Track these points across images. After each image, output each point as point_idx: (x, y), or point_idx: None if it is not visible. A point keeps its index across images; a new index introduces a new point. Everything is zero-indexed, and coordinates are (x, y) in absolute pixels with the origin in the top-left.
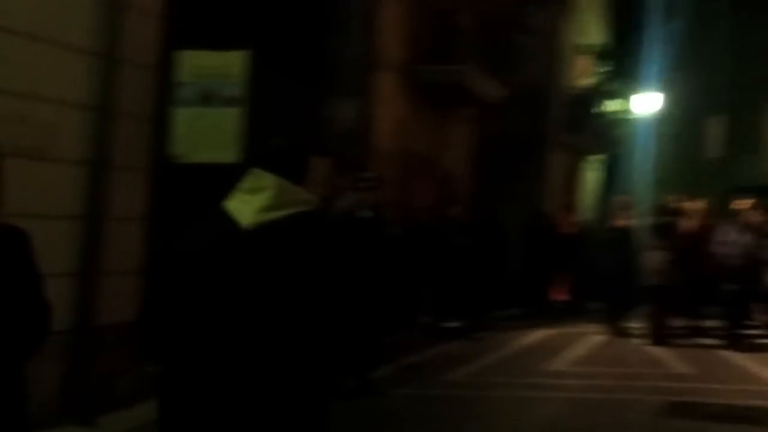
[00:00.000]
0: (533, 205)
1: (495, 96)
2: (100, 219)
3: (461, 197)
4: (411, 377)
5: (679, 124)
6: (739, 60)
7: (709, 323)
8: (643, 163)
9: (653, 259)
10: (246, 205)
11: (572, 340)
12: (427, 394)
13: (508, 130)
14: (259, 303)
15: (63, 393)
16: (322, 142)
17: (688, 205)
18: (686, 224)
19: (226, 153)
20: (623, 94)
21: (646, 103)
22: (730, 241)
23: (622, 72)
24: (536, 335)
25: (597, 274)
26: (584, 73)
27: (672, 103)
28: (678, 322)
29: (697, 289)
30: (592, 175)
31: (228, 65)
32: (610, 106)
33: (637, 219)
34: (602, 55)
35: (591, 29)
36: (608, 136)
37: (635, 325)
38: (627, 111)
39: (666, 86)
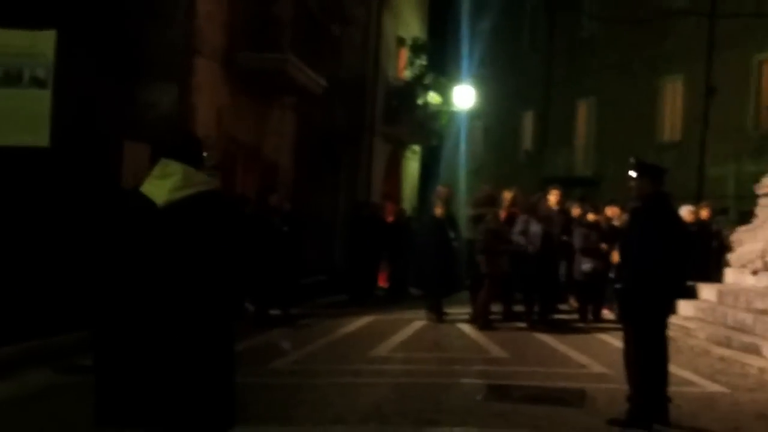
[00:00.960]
0: (356, 194)
1: (317, 86)
2: None
3: (284, 186)
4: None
5: (495, 117)
6: (549, 57)
7: (521, 308)
8: (461, 154)
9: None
10: (158, 188)
11: (395, 326)
12: (251, 382)
13: (331, 120)
14: (175, 263)
15: None
16: (139, 127)
17: (504, 194)
18: (498, 214)
19: (38, 137)
20: (441, 88)
21: (462, 97)
22: (530, 230)
23: (438, 66)
24: (361, 322)
25: (418, 262)
26: (405, 66)
27: (487, 98)
28: (495, 307)
29: (511, 274)
30: (412, 165)
31: (35, 45)
32: (429, 98)
33: (455, 208)
34: (418, 48)
35: (411, 23)
36: (428, 128)
37: (455, 310)
38: (445, 104)
39: (479, 81)
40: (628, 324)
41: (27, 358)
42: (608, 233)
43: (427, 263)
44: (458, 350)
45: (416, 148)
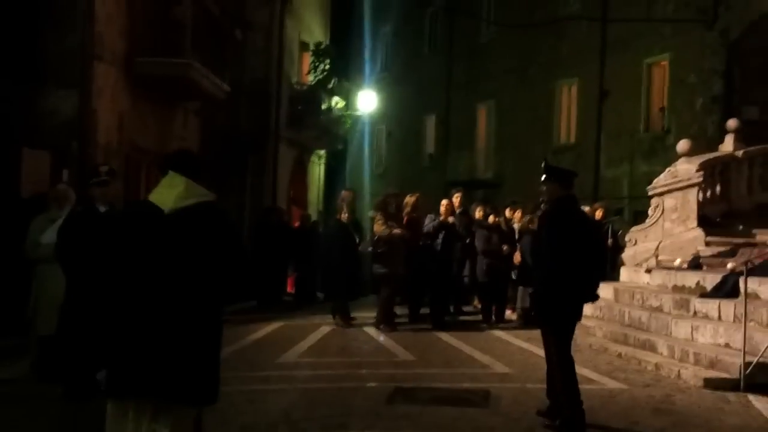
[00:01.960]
0: (262, 199)
1: (220, 91)
2: None
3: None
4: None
5: (398, 121)
6: (449, 61)
7: (426, 310)
8: (365, 158)
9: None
10: (165, 197)
11: (304, 331)
12: None
13: (235, 125)
14: (178, 260)
15: None
16: (39, 134)
17: (407, 198)
18: (381, 218)
19: None
20: (344, 92)
21: (365, 102)
22: (436, 232)
23: (341, 70)
24: (269, 328)
25: (324, 267)
26: (308, 70)
27: (390, 102)
28: (400, 310)
29: (415, 277)
30: (318, 170)
31: None
32: (333, 103)
33: (361, 212)
34: (321, 53)
35: (313, 27)
36: (332, 132)
37: (362, 314)
38: (349, 108)
39: (382, 85)
40: (549, 331)
41: None
42: (509, 235)
43: (333, 268)
44: (366, 354)
45: (321, 152)
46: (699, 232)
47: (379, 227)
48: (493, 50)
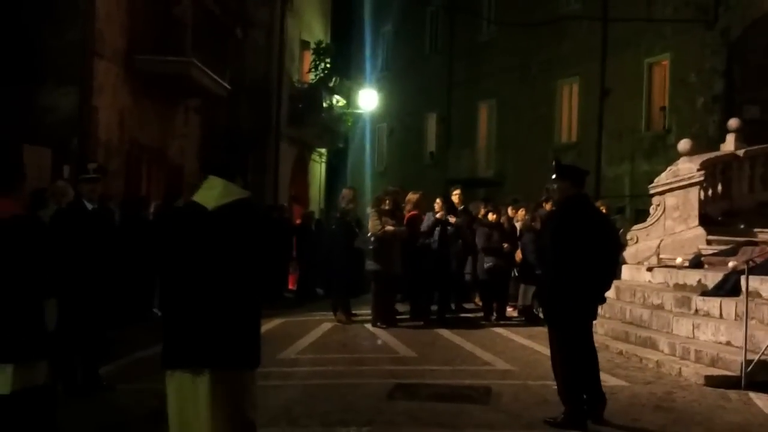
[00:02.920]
0: (263, 197)
1: (221, 88)
2: None
3: (190, 189)
4: (142, 372)
5: (399, 119)
6: (450, 59)
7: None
8: (366, 156)
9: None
10: (207, 197)
11: (304, 328)
12: (159, 388)
13: (236, 123)
14: (222, 248)
15: None
16: (38, 131)
17: (409, 196)
18: (376, 216)
19: None
20: (345, 90)
21: (366, 100)
22: (431, 229)
23: (342, 69)
24: (270, 324)
25: (325, 264)
26: (309, 69)
27: (391, 100)
28: (402, 307)
29: (414, 274)
30: (319, 167)
31: None
32: (334, 101)
33: (362, 210)
34: (322, 51)
35: (314, 26)
36: (333, 131)
37: (363, 311)
38: (350, 106)
39: (383, 84)
40: (551, 328)
41: None
42: (510, 233)
43: (334, 265)
44: (366, 350)
45: (322, 151)
46: (700, 231)
47: (372, 224)
48: (494, 49)
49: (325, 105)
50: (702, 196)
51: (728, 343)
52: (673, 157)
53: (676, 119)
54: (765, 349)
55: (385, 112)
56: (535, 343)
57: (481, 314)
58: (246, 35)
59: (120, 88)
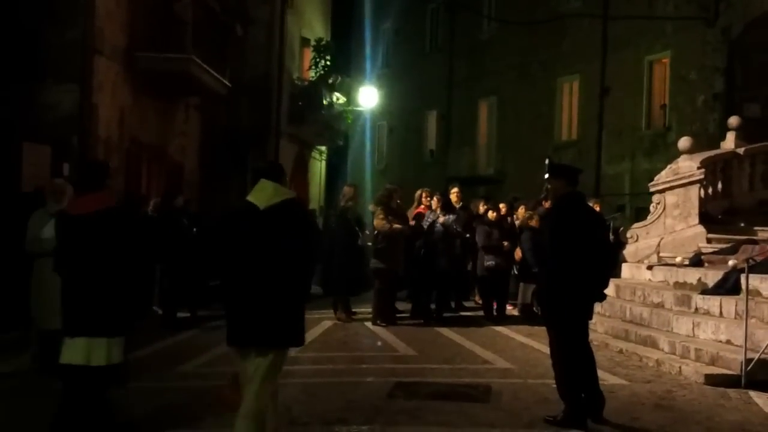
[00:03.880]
0: None
1: (221, 86)
2: None
3: (190, 187)
4: (143, 370)
5: (400, 117)
6: (450, 57)
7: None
8: (367, 154)
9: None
10: (259, 198)
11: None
12: (160, 386)
13: (236, 121)
14: (272, 244)
15: None
16: (38, 129)
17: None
18: (381, 213)
19: None
20: (345, 88)
21: (366, 98)
22: (433, 227)
23: (342, 66)
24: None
25: (326, 262)
26: (309, 66)
27: (391, 98)
28: (402, 305)
29: (415, 272)
30: (319, 165)
31: None
32: (334, 99)
33: (362, 207)
34: (322, 49)
35: (314, 23)
36: (333, 128)
37: (364, 309)
38: (350, 104)
39: (383, 81)
40: (549, 327)
41: None
42: (510, 231)
43: (334, 263)
44: (367, 349)
45: (322, 148)
46: (700, 229)
47: (379, 222)
48: (495, 47)
49: (325, 103)
50: (702, 195)
51: (728, 342)
52: (674, 155)
53: (677, 117)
54: (765, 347)
55: (385, 109)
56: (535, 341)
57: (481, 312)
58: (246, 33)
59: (120, 85)
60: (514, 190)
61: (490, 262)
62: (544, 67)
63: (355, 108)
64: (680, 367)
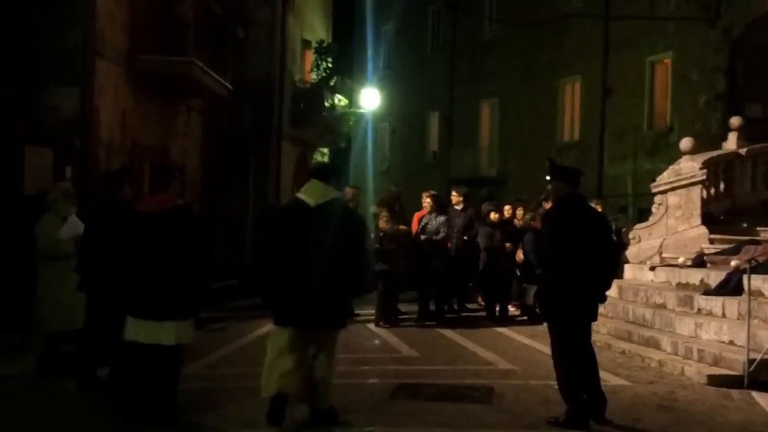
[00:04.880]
0: (265, 196)
1: (222, 88)
2: None
3: (191, 189)
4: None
5: (402, 119)
6: (452, 58)
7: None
8: (369, 156)
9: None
10: (309, 197)
11: None
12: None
13: (238, 123)
14: (323, 236)
15: None
16: (40, 132)
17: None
18: (387, 216)
19: None
20: (347, 90)
21: (368, 99)
22: (433, 228)
23: (344, 68)
24: (271, 325)
25: None
26: (311, 68)
27: (393, 99)
28: (405, 307)
29: (418, 273)
30: None
31: None
32: (336, 100)
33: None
34: (323, 50)
35: (316, 25)
36: (335, 130)
37: (366, 311)
38: (351, 106)
39: (385, 83)
40: (550, 327)
41: None
42: (512, 233)
43: None
44: (369, 350)
45: (324, 150)
46: (703, 230)
47: (384, 224)
48: (496, 48)
49: (327, 104)
50: (704, 195)
51: (731, 343)
52: (676, 155)
53: (679, 118)
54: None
55: (387, 111)
56: (537, 342)
57: (483, 314)
58: (248, 35)
59: (121, 88)
60: (517, 191)
61: (492, 264)
62: (546, 67)
63: (356, 110)
64: (683, 368)
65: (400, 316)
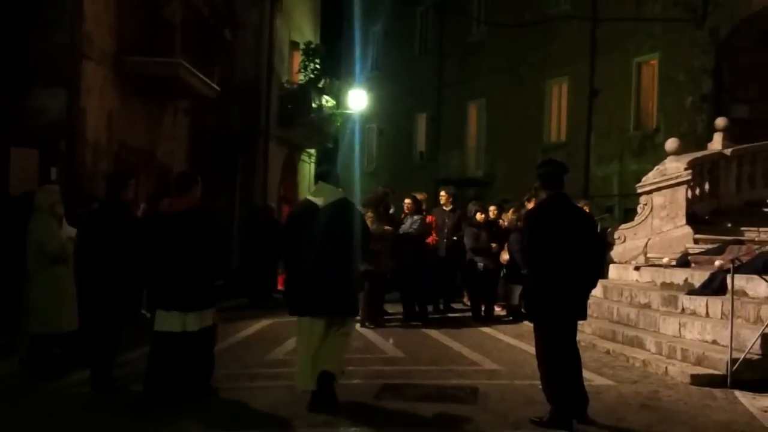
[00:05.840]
0: (252, 197)
1: (210, 90)
2: None
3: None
4: (136, 373)
5: (389, 120)
6: (440, 60)
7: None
8: (356, 157)
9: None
10: (318, 198)
11: (292, 329)
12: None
13: (225, 124)
14: (332, 233)
15: None
16: (26, 133)
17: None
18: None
19: None
20: (334, 91)
21: (355, 100)
22: (406, 226)
23: (332, 69)
24: (259, 325)
25: None
26: (298, 70)
27: (381, 100)
28: (392, 308)
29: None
30: (308, 168)
31: None
32: (324, 101)
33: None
34: (311, 52)
35: (303, 27)
36: (323, 131)
37: None
38: (339, 107)
39: (372, 84)
40: (535, 327)
41: None
42: (498, 233)
43: None
44: (354, 351)
45: (311, 151)
46: (687, 230)
47: (370, 225)
48: (484, 49)
49: (314, 105)
50: (689, 195)
51: (714, 342)
52: (662, 156)
53: (665, 118)
54: (750, 347)
55: (374, 112)
56: (523, 342)
57: (469, 314)
58: (235, 36)
59: (108, 89)
60: (504, 192)
61: (478, 264)
62: (533, 69)
63: (344, 111)
64: (666, 368)
65: (385, 317)
